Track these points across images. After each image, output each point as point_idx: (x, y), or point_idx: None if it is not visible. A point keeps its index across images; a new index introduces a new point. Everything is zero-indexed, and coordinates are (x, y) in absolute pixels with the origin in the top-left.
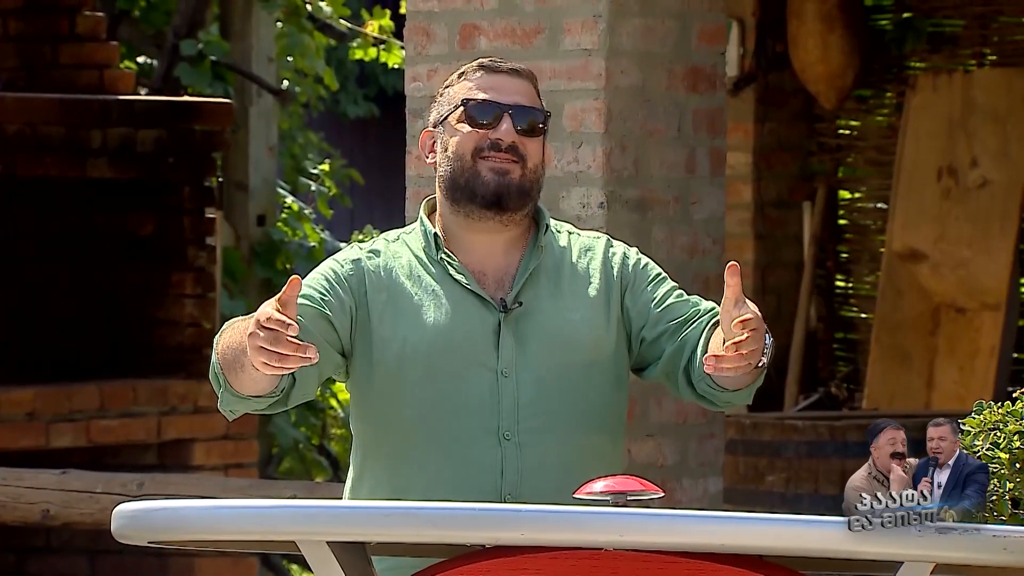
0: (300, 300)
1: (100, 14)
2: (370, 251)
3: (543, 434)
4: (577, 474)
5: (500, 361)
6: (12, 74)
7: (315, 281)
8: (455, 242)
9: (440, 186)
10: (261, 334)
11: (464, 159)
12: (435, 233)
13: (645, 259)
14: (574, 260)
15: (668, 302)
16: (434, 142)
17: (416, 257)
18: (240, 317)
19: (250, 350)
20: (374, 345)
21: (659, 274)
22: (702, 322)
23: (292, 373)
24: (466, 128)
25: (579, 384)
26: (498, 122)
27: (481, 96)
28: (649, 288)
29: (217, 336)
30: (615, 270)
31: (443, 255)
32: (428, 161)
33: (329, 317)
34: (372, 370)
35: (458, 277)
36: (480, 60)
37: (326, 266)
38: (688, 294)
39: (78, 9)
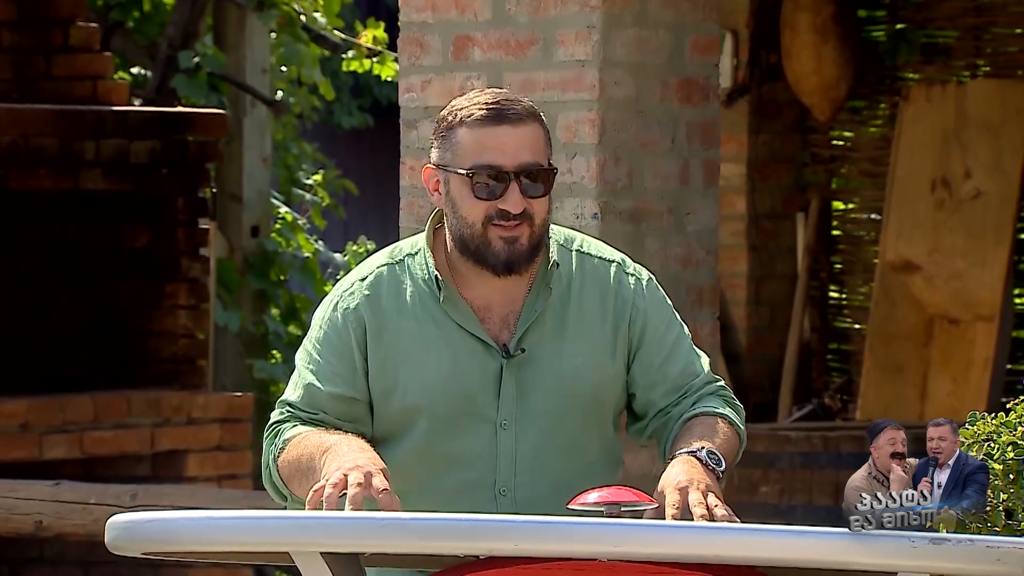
0: (331, 389)
1: (94, 25)
2: (368, 288)
3: (540, 489)
4: None
5: (500, 412)
6: (5, 85)
7: (330, 357)
8: (460, 277)
9: (449, 234)
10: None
11: (475, 227)
12: (436, 276)
13: (656, 308)
14: (581, 292)
15: (657, 380)
16: (438, 181)
17: (418, 288)
18: (310, 434)
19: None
20: (372, 392)
21: (666, 328)
22: (674, 415)
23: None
24: (472, 198)
25: (578, 433)
26: (504, 191)
27: (486, 161)
28: (653, 354)
29: (272, 447)
30: (627, 309)
31: (446, 296)
32: (433, 199)
33: (357, 396)
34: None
35: (461, 320)
36: (485, 102)
37: (331, 329)
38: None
39: (72, 21)
